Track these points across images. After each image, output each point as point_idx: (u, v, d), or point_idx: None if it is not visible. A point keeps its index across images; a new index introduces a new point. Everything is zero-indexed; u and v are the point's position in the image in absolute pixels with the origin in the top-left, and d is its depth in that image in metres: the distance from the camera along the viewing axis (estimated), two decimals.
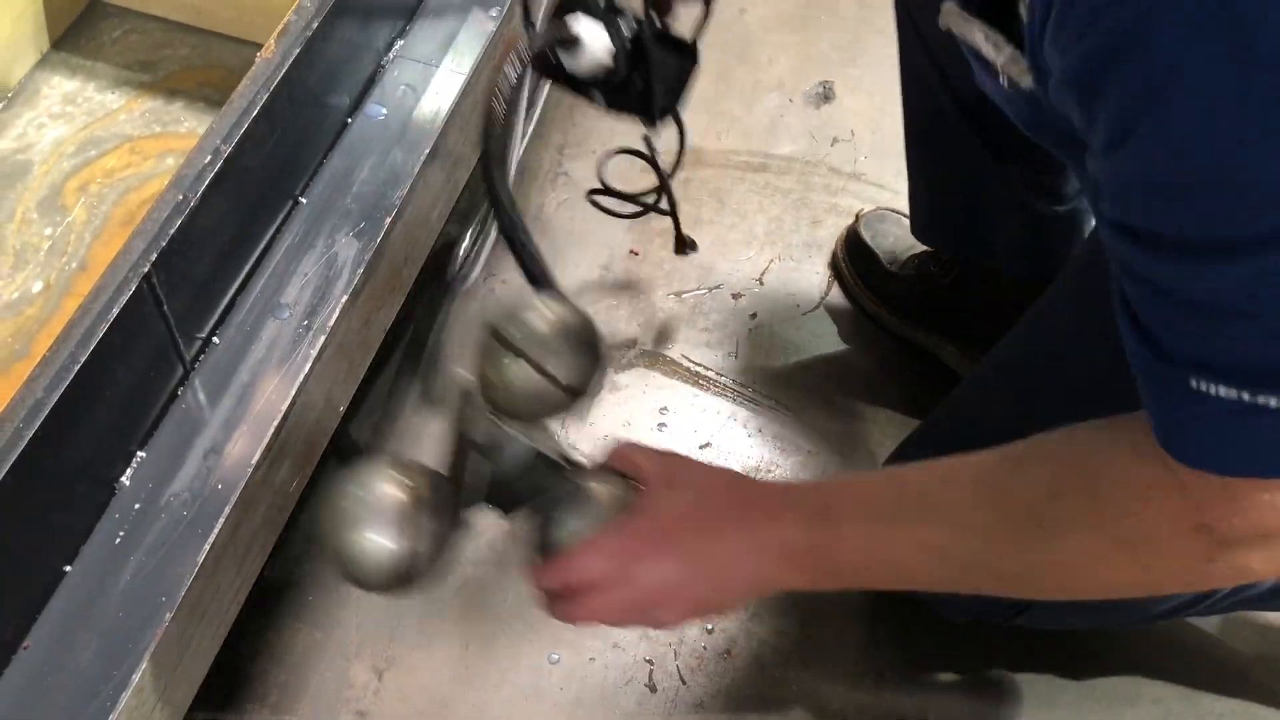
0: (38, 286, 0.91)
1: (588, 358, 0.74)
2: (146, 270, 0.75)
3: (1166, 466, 0.56)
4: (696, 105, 1.46)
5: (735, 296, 1.33)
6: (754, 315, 1.32)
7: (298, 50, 0.88)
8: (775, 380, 1.27)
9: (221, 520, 0.77)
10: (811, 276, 1.36)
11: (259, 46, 0.87)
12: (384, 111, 1.02)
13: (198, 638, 0.79)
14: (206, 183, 0.79)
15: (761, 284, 1.35)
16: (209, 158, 0.81)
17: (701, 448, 1.21)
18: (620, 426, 1.21)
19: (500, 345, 0.73)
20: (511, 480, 0.74)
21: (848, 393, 1.27)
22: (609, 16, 0.82)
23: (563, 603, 0.74)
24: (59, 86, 1.00)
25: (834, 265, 1.36)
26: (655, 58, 0.83)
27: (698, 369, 1.27)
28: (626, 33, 0.82)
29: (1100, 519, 0.61)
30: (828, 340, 1.32)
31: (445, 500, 0.71)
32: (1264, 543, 0.57)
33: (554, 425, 0.84)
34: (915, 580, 0.74)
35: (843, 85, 1.53)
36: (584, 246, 1.35)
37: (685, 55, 0.87)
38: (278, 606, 1.08)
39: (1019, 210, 1.15)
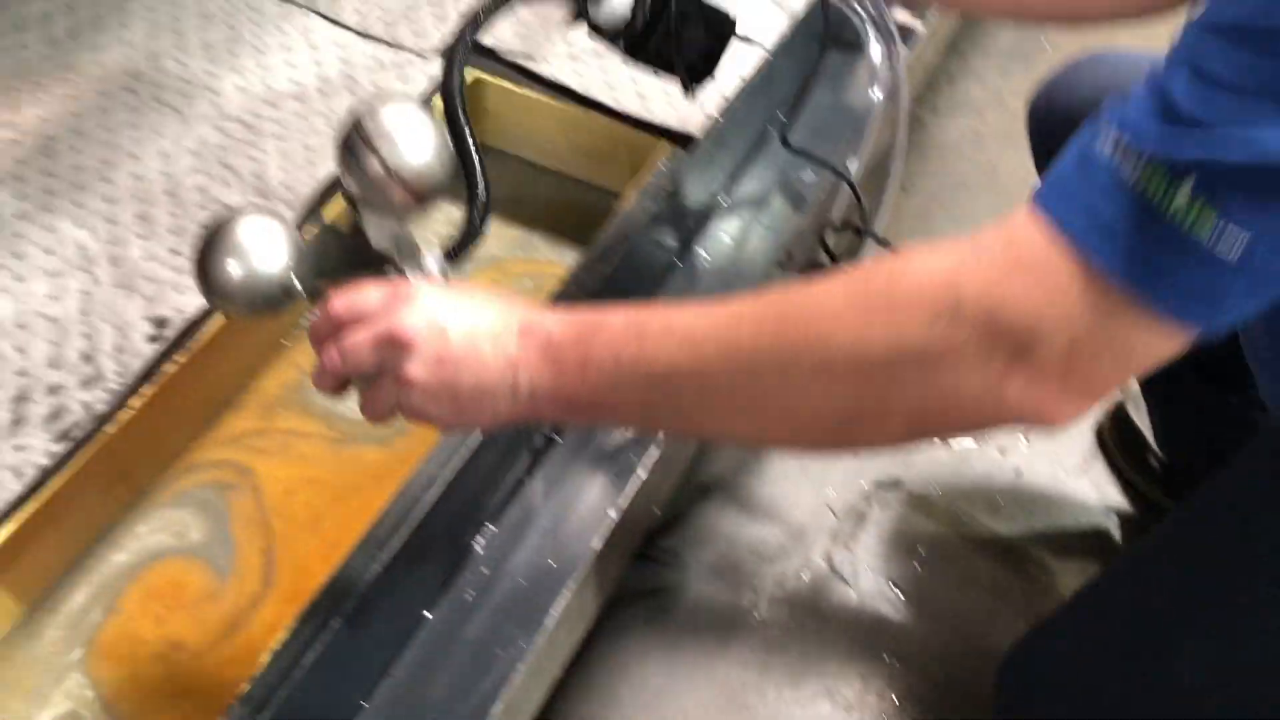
0: None
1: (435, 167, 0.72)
2: None
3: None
4: None
5: (1001, 452, 1.40)
6: (1019, 472, 1.38)
7: (650, 204, 1.04)
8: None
9: (561, 591, 0.91)
10: (1078, 443, 1.41)
11: (607, 192, 1.03)
12: (708, 258, 1.17)
13: (533, 690, 0.92)
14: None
15: (1029, 443, 1.41)
16: (573, 288, 0.98)
17: None
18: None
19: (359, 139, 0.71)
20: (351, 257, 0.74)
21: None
22: None
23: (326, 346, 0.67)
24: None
25: (1099, 436, 1.42)
26: (677, 18, 0.85)
27: (960, 517, 1.34)
28: None
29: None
30: (1089, 504, 1.36)
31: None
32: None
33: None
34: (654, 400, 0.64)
35: None
36: None
37: (719, 24, 0.90)
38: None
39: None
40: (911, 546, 1.31)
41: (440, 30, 1.22)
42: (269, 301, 0.70)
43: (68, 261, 1.00)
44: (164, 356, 0.93)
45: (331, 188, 1.06)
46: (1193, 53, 0.52)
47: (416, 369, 0.65)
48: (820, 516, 1.34)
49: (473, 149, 0.79)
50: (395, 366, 0.65)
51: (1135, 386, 1.38)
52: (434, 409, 0.67)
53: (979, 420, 0.57)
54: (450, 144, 0.75)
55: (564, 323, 0.65)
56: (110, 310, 0.96)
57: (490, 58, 1.20)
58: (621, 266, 1.02)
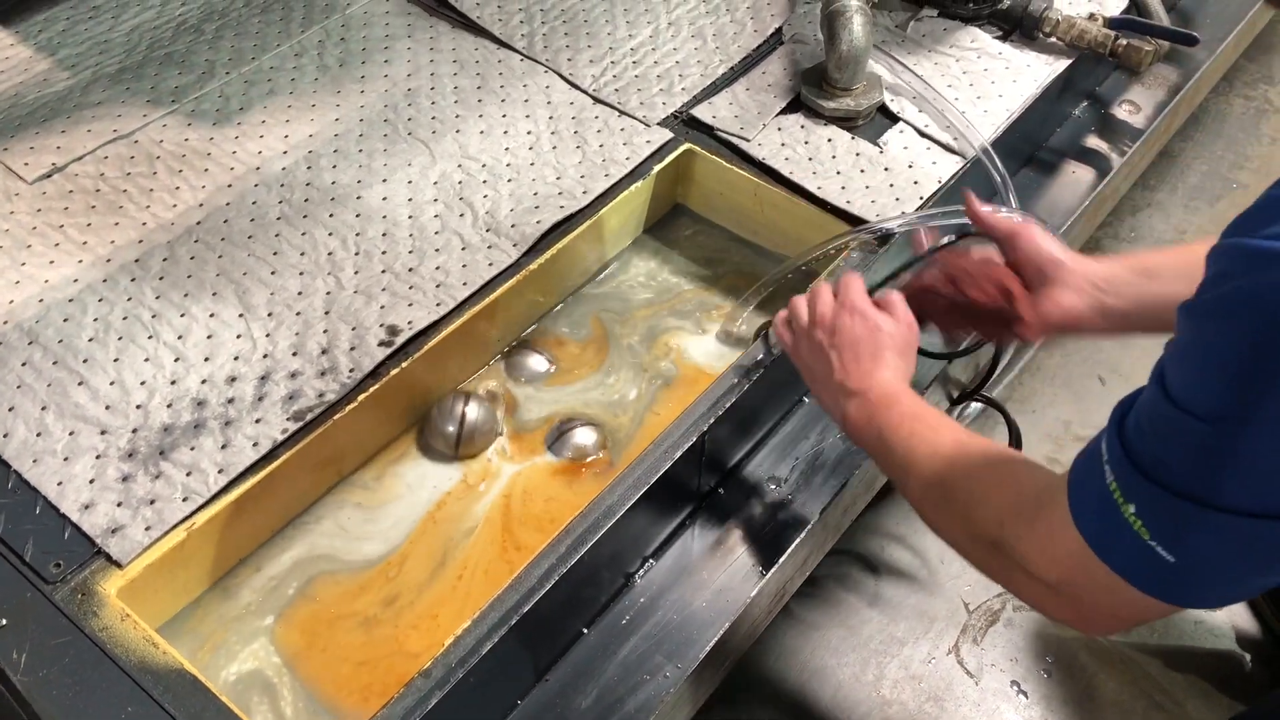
0: (632, 394, 1.17)
1: None
2: (705, 429, 0.99)
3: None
4: None
5: None
6: None
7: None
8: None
9: (709, 633, 0.98)
10: None
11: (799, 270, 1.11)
12: None
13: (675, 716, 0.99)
14: (754, 379, 1.04)
15: None
16: (760, 355, 1.06)
17: None
18: None
19: None
20: None
21: None
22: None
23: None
24: (644, 264, 1.29)
25: None
26: None
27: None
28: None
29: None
30: (1218, 621, 1.37)
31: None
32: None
33: None
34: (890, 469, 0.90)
35: None
36: None
37: None
38: None
39: None
40: (1040, 653, 1.34)
41: (665, 103, 1.33)
42: None
43: (318, 264, 1.12)
44: (391, 359, 1.05)
45: (551, 229, 1.17)
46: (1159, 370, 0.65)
47: (822, 334, 0.97)
48: (955, 609, 1.37)
49: None
50: (821, 321, 0.97)
51: None
52: (812, 364, 0.97)
53: (1045, 612, 0.77)
54: None
55: (888, 385, 0.93)
56: (349, 313, 1.08)
57: (706, 132, 1.30)
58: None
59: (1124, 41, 1.38)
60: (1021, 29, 1.43)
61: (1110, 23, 1.41)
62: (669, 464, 0.96)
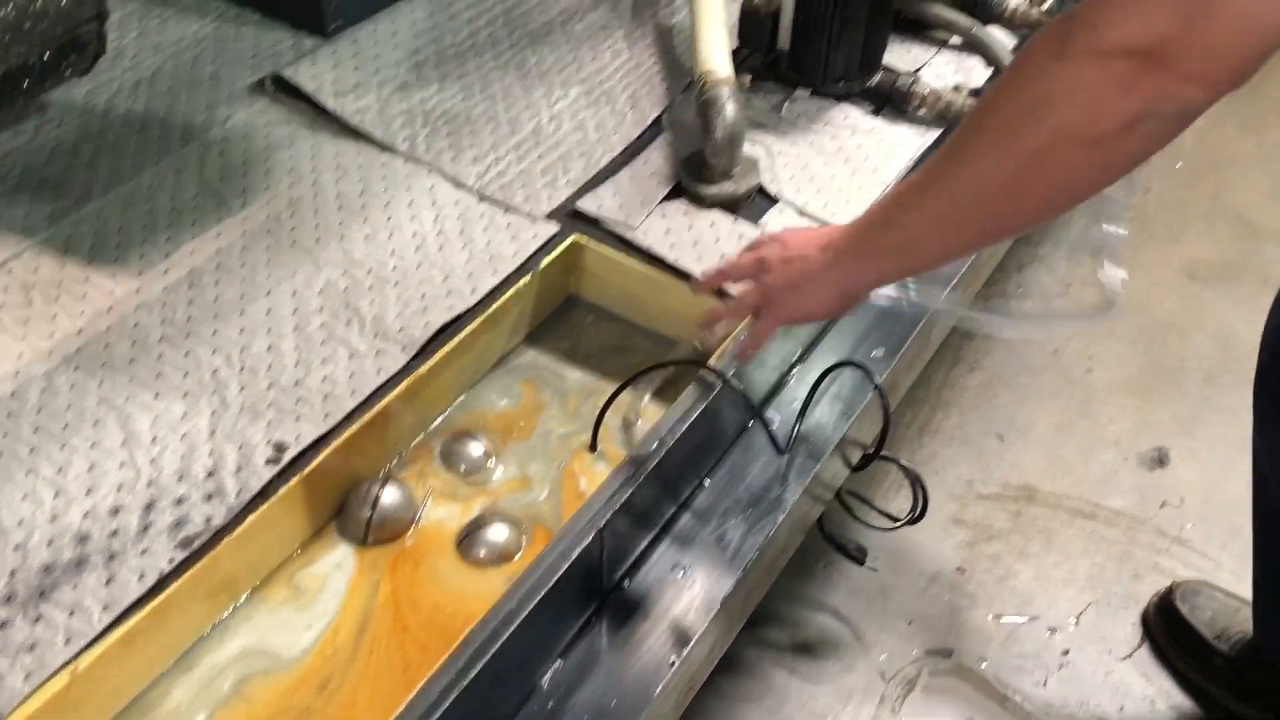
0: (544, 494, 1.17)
1: None
2: (601, 526, 0.99)
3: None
4: (1036, 447, 1.62)
5: (1051, 630, 1.44)
6: (1066, 652, 1.42)
7: (731, 371, 1.13)
8: None
9: None
10: (1126, 627, 1.44)
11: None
12: (778, 418, 1.25)
13: None
14: (649, 468, 1.04)
15: (1078, 624, 1.45)
16: (656, 444, 1.06)
17: None
18: None
19: None
20: None
21: None
22: None
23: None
24: (538, 358, 1.29)
25: (1145, 625, 1.44)
26: None
27: (1005, 691, 1.37)
28: None
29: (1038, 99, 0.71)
30: (1136, 691, 1.38)
31: None
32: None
33: None
34: (934, 249, 0.89)
35: (1178, 454, 1.64)
36: (915, 560, 1.51)
37: None
38: None
39: None
40: (956, 718, 1.35)
41: (551, 197, 1.34)
42: None
43: (202, 384, 1.11)
44: (279, 478, 1.03)
45: (440, 332, 1.17)
46: None
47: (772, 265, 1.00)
48: (871, 681, 1.38)
49: None
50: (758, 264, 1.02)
51: (1188, 584, 1.41)
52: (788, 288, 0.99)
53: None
54: None
55: (847, 227, 0.95)
56: (235, 432, 1.06)
57: (592, 223, 1.32)
58: (698, 422, 1.11)
59: None
60: (891, 104, 1.48)
61: (975, 94, 1.47)
62: (567, 564, 0.96)
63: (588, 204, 1.34)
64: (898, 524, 1.27)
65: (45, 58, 1.18)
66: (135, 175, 1.34)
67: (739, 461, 1.20)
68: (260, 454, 1.04)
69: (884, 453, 1.28)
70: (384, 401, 1.10)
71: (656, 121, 1.47)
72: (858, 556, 1.33)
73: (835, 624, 1.43)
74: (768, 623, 1.42)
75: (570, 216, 1.34)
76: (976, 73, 1.54)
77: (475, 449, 1.17)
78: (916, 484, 1.24)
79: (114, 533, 0.98)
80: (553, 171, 1.39)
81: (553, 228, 1.30)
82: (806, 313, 1.04)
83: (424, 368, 1.14)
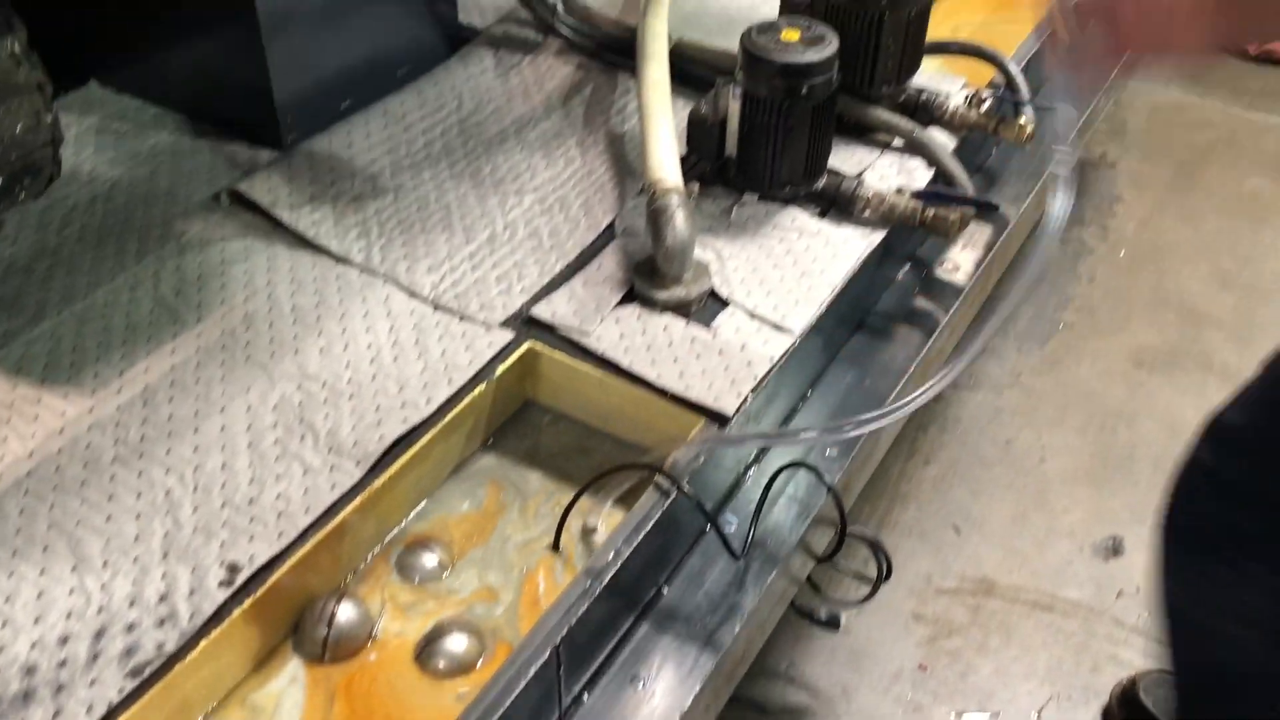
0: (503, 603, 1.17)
1: None
2: (557, 641, 0.99)
3: None
4: (992, 539, 1.63)
5: None
6: None
7: (685, 478, 1.14)
8: None
9: None
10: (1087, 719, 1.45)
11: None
12: (734, 521, 1.26)
13: None
14: (606, 579, 1.04)
15: (1039, 719, 1.45)
16: (612, 555, 1.06)
17: None
18: None
19: None
20: None
21: None
22: None
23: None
24: (496, 465, 1.30)
25: (1108, 718, 1.45)
26: None
27: None
28: None
29: None
30: None
31: None
32: None
33: None
34: None
35: (1131, 542, 1.67)
36: (876, 658, 1.51)
37: None
38: None
39: None
40: None
41: (506, 304, 1.36)
42: None
43: (155, 505, 1.10)
44: (233, 600, 1.02)
45: (395, 444, 1.17)
46: None
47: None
48: None
49: None
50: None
51: (1151, 675, 1.42)
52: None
53: None
54: None
55: None
56: (188, 553, 1.06)
57: (547, 330, 1.34)
58: (654, 530, 1.11)
59: (931, 212, 1.47)
60: (837, 206, 1.52)
61: (917, 195, 1.51)
62: (524, 682, 0.95)
63: (542, 311, 1.35)
64: (872, 592, 1.27)
65: None
66: (90, 292, 1.35)
67: (697, 567, 1.21)
68: (214, 575, 1.04)
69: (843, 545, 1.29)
70: (338, 518, 1.10)
71: (609, 227, 1.50)
72: (831, 624, 1.33)
73: (811, 696, 1.42)
74: (744, 699, 1.41)
75: (525, 323, 1.35)
76: (919, 174, 1.59)
77: (430, 560, 1.17)
78: (878, 550, 1.25)
79: (62, 663, 0.97)
80: (507, 279, 1.40)
81: (507, 335, 1.32)
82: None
83: (378, 482, 1.14)
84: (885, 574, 1.23)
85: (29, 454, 1.15)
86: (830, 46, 1.39)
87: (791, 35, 1.40)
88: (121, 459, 1.15)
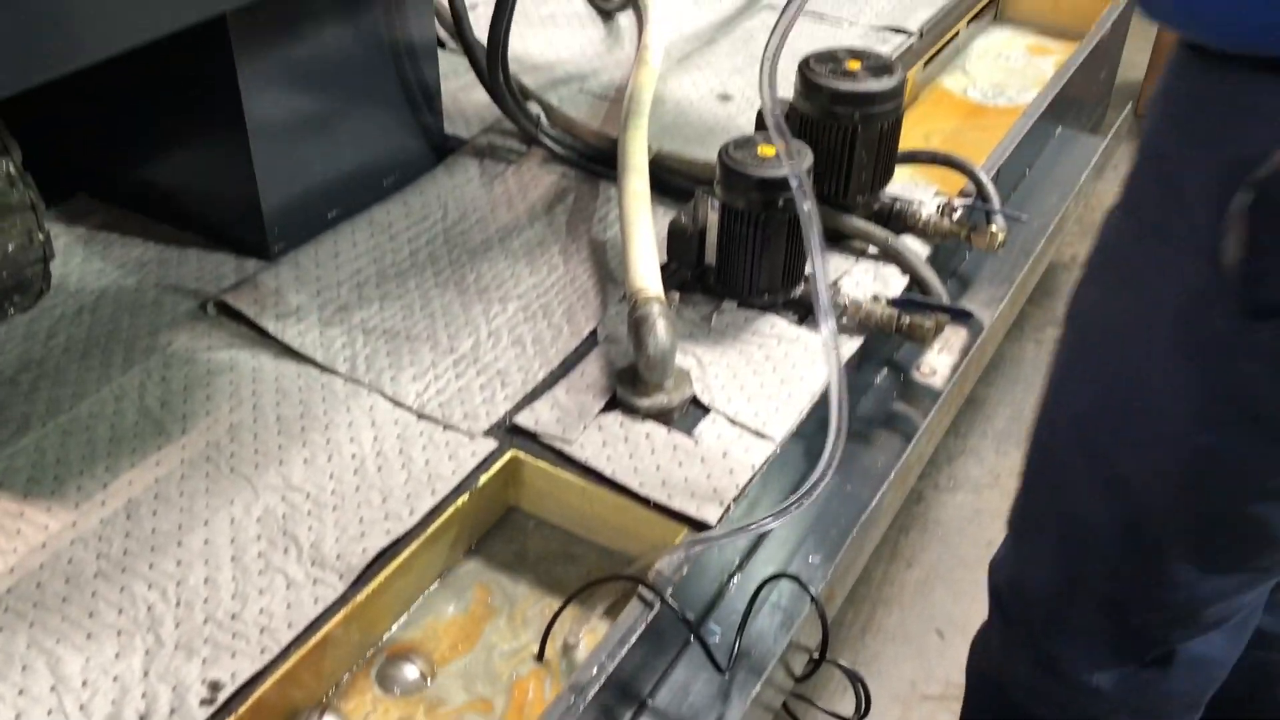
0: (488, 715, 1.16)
1: None
2: None
3: None
4: None
5: None
6: None
7: (669, 589, 1.14)
8: None
9: None
10: None
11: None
12: (718, 631, 1.26)
13: None
14: (590, 695, 1.04)
15: None
16: (595, 669, 1.06)
17: None
18: None
19: None
20: None
21: None
22: None
23: None
24: (479, 573, 1.30)
25: None
26: None
27: None
28: None
29: None
30: None
31: None
32: None
33: None
34: None
35: None
36: None
37: None
38: None
39: None
40: None
41: (489, 412, 1.37)
42: None
43: (136, 622, 1.10)
44: (214, 718, 1.01)
45: (378, 556, 1.17)
46: None
47: None
48: None
49: None
50: None
51: None
52: None
53: None
54: None
55: None
56: (170, 671, 1.05)
57: (530, 438, 1.35)
58: (639, 642, 1.11)
59: (908, 319, 1.50)
60: (814, 314, 1.55)
61: (893, 303, 1.54)
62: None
63: (525, 419, 1.37)
64: None
65: None
66: (75, 404, 1.35)
67: (681, 679, 1.21)
68: (194, 694, 1.03)
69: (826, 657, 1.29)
70: (322, 632, 1.10)
71: (592, 335, 1.52)
72: None
73: None
74: None
75: (509, 431, 1.36)
76: (894, 281, 1.62)
77: (411, 671, 1.17)
78: (858, 683, 1.25)
79: None
80: (491, 387, 1.42)
81: (490, 444, 1.33)
82: None
83: (361, 595, 1.14)
84: (864, 710, 1.23)
85: (10, 570, 1.14)
86: (805, 161, 1.43)
87: (768, 151, 1.45)
88: (104, 574, 1.15)
